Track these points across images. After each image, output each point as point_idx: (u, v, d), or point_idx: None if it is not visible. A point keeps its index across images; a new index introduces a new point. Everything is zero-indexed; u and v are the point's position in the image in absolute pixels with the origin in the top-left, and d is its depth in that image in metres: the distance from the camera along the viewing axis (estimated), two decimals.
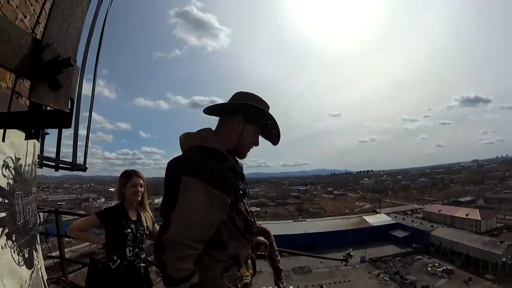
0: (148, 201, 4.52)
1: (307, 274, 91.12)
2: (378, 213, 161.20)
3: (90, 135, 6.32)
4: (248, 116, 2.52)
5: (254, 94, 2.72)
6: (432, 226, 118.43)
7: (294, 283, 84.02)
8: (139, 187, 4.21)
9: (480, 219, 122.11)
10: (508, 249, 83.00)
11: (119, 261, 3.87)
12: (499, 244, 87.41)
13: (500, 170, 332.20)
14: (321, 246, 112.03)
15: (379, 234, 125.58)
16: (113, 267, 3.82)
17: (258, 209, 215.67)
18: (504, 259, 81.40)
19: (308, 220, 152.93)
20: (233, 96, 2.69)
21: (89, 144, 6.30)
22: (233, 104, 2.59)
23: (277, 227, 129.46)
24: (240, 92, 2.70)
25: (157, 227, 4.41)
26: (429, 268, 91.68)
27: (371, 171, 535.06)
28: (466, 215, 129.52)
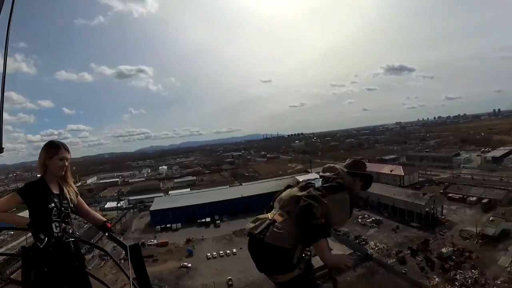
0: (73, 179, 4.28)
1: (243, 236, 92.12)
2: (309, 172, 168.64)
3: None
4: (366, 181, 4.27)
5: (363, 162, 4.41)
6: None
7: (236, 245, 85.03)
8: (65, 161, 3.99)
9: (403, 174, 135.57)
10: (429, 200, 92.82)
11: (46, 239, 3.69)
12: (422, 196, 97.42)
13: (421, 131, 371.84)
14: (258, 208, 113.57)
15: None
16: (41, 246, 3.66)
17: (194, 177, 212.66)
18: (427, 209, 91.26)
19: (243, 184, 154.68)
20: (350, 164, 4.36)
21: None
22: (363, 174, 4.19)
23: (214, 194, 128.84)
24: (356, 160, 4.43)
25: (81, 199, 4.30)
26: (359, 220, 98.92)
27: (302, 134, 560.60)
28: (391, 171, 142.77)
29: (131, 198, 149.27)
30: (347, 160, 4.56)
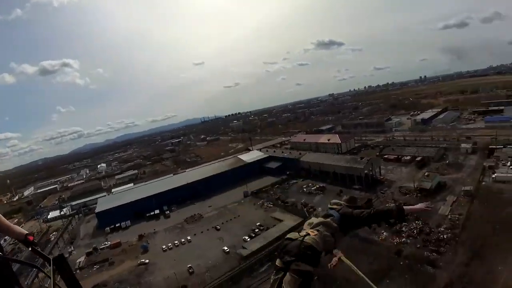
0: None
1: (199, 220, 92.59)
2: (250, 150, 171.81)
3: None
4: None
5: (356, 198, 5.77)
6: (300, 154, 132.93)
7: (190, 232, 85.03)
8: None
9: (340, 142, 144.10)
10: (367, 163, 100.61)
11: None
12: (360, 160, 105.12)
13: (353, 101, 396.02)
14: (205, 192, 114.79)
15: (256, 169, 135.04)
16: None
17: (136, 171, 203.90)
18: (366, 171, 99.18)
19: (187, 170, 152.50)
20: (348, 199, 5.76)
21: None
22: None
23: (159, 185, 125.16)
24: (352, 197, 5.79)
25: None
26: (304, 189, 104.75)
27: (239, 113, 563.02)
28: (328, 140, 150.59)
29: (73, 203, 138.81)
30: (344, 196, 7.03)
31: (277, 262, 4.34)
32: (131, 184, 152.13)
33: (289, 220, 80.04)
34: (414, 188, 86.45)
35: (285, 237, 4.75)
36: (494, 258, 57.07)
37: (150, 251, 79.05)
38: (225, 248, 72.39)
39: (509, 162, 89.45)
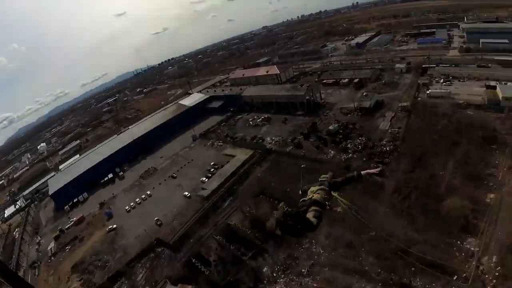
0: None
1: (154, 174, 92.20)
2: (191, 94, 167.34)
3: None
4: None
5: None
6: (241, 89, 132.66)
7: (148, 187, 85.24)
8: None
9: (279, 72, 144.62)
10: (307, 89, 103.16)
11: None
12: (300, 87, 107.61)
13: (287, 31, 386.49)
14: (154, 144, 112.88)
15: (199, 111, 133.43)
16: None
17: (78, 141, 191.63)
18: (307, 97, 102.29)
19: (130, 127, 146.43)
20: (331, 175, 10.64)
21: None
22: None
23: (105, 148, 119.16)
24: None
25: None
26: (250, 122, 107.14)
27: (173, 59, 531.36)
28: (267, 72, 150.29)
29: (25, 193, 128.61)
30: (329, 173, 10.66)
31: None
32: (77, 156, 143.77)
33: (241, 154, 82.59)
34: (355, 108, 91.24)
35: (301, 200, 9.58)
36: (434, 165, 63.13)
37: (115, 215, 78.78)
38: (186, 193, 74.27)
39: (442, 79, 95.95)
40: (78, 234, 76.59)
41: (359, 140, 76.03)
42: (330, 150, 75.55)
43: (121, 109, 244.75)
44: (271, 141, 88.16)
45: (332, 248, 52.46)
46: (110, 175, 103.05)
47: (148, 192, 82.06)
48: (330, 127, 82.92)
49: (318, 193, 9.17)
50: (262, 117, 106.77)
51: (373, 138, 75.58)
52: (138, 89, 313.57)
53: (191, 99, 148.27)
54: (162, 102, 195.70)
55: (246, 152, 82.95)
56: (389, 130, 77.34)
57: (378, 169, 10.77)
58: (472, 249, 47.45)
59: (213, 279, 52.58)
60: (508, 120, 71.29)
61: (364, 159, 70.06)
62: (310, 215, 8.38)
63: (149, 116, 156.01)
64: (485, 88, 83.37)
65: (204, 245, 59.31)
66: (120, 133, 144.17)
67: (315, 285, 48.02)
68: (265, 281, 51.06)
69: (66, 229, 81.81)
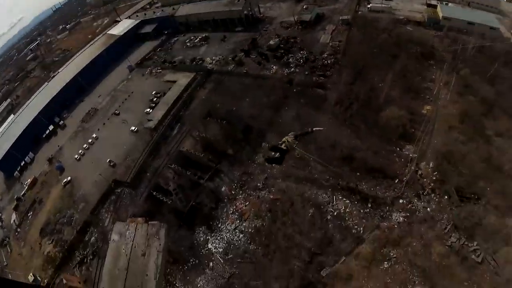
0: None
1: (95, 115, 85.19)
2: (119, 21, 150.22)
3: None
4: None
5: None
6: (173, 9, 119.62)
7: (92, 130, 79.90)
8: None
9: None
10: (245, 3, 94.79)
11: None
12: (237, 1, 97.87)
13: None
14: (89, 83, 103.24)
15: (131, 39, 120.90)
16: None
17: (8, 100, 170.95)
18: (245, 12, 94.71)
19: (60, 70, 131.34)
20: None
21: None
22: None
23: (38, 100, 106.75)
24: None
25: None
26: (188, 43, 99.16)
27: None
28: None
29: None
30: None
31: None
32: (12, 116, 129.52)
33: (182, 79, 77.84)
34: (295, 22, 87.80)
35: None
36: (374, 77, 64.07)
37: (66, 168, 74.06)
38: (133, 128, 70.68)
39: None
40: (36, 197, 71.97)
41: (301, 54, 74.95)
42: (272, 66, 74.08)
43: (46, 53, 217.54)
44: (211, 61, 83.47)
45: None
46: (51, 127, 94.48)
47: (94, 135, 77.04)
48: (271, 42, 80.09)
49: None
50: (200, 37, 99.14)
51: (314, 51, 74.70)
52: (60, 27, 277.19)
53: (121, 27, 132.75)
54: (89, 36, 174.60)
55: (187, 75, 78.20)
56: (330, 44, 76.45)
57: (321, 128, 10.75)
58: (411, 155, 51.70)
59: (176, 207, 53.10)
60: (446, 39, 73.41)
61: (306, 72, 69.53)
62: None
63: (78, 54, 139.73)
64: (425, 6, 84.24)
65: (161, 176, 58.62)
66: (51, 79, 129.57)
67: (271, 196, 50.27)
68: (225, 200, 52.44)
69: (22, 195, 75.77)
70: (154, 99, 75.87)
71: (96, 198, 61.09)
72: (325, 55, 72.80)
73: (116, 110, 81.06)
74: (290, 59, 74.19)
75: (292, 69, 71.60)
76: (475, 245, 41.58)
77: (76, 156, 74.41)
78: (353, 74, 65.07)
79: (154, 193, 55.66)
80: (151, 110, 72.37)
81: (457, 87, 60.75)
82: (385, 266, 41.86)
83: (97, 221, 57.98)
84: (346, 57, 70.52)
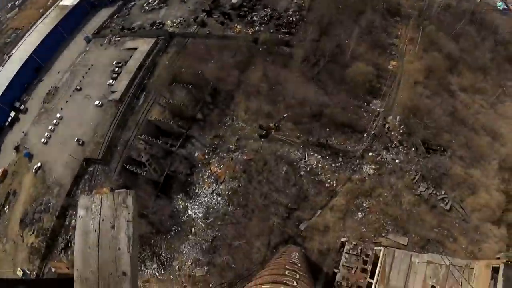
0: None
1: (56, 93, 79.64)
2: None
3: None
4: None
5: None
6: None
7: (55, 110, 74.29)
8: None
9: None
10: None
11: None
12: None
13: None
14: (45, 61, 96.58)
15: (85, 8, 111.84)
16: None
17: None
18: None
19: (14, 51, 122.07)
20: None
21: None
22: None
23: None
24: None
25: None
26: (146, 7, 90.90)
27: None
28: None
29: None
30: None
31: None
32: None
33: (143, 45, 73.22)
34: None
35: None
36: (340, 34, 62.00)
37: (35, 153, 69.70)
38: (97, 102, 66.95)
39: None
40: (9, 190, 67.93)
41: (265, 12, 71.15)
42: (236, 25, 70.33)
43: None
44: (172, 24, 78.16)
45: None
46: (12, 114, 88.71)
47: (58, 115, 72.75)
48: (233, 1, 74.75)
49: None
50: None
51: (279, 8, 71.23)
52: (9, 5, 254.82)
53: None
54: (41, 11, 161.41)
55: (148, 41, 73.37)
56: (295, 0, 72.45)
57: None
58: (378, 110, 52.52)
59: (151, 177, 52.05)
60: None
61: (272, 30, 66.76)
62: None
63: (30, 31, 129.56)
64: None
65: (132, 148, 56.84)
66: (5, 63, 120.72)
67: (245, 157, 49.86)
68: (199, 165, 51.60)
69: None
70: (116, 69, 71.54)
71: (69, 180, 58.78)
72: (290, 12, 69.98)
73: (77, 85, 76.20)
74: (254, 18, 70.70)
75: (257, 27, 68.60)
76: (443, 194, 44.63)
77: (43, 139, 70.17)
78: (318, 30, 63.32)
79: (128, 167, 54.10)
80: (113, 82, 68.44)
81: (422, 43, 60.97)
82: (359, 216, 44.30)
83: (74, 203, 56.10)
84: (311, 14, 68.00)
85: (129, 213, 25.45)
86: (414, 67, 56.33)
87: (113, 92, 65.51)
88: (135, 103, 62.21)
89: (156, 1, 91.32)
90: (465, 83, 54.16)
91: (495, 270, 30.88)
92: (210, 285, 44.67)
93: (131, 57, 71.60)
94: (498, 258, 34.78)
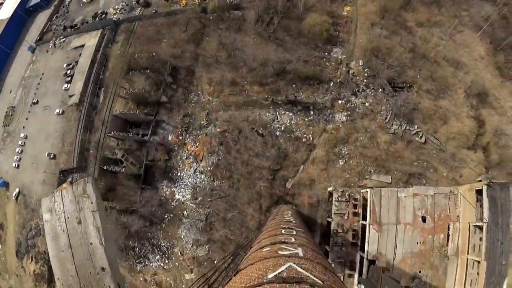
0: None
1: (14, 113, 74.97)
2: (2, 3, 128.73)
3: None
4: None
5: None
6: None
7: (17, 130, 69.71)
8: None
9: None
10: None
11: None
12: None
13: None
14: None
15: (22, 17, 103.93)
16: None
17: None
18: None
19: None
20: None
21: None
22: None
23: None
24: None
25: None
26: (84, 1, 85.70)
27: None
28: None
29: None
30: None
31: None
32: None
33: (90, 40, 68.86)
34: None
35: None
36: None
37: (10, 180, 66.60)
38: (58, 111, 63.70)
39: None
40: None
41: None
42: None
43: None
44: (115, 11, 73.19)
45: (218, 91, 51.56)
46: None
47: (22, 135, 68.93)
48: None
49: None
50: None
51: None
52: None
53: (5, 9, 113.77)
54: None
55: (94, 34, 69.01)
56: None
57: None
58: (340, 57, 51.42)
59: (131, 172, 50.56)
60: None
61: None
62: None
63: None
64: None
65: (105, 148, 54.70)
66: None
67: (218, 129, 48.51)
68: (175, 148, 50.08)
69: None
70: (68, 72, 67.50)
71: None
72: None
73: (33, 99, 71.93)
74: None
75: None
76: (416, 128, 45.31)
77: (14, 164, 66.88)
78: None
79: (105, 167, 52.32)
80: (69, 85, 64.66)
81: None
82: (341, 163, 44.61)
83: None
84: None
85: (92, 202, 22.93)
86: (368, 10, 55.33)
87: (70, 96, 62.08)
88: (96, 101, 59.27)
89: None
90: (421, 18, 53.53)
91: (479, 193, 32.54)
92: (215, 262, 44.65)
93: (80, 55, 67.38)
94: (480, 181, 35.93)
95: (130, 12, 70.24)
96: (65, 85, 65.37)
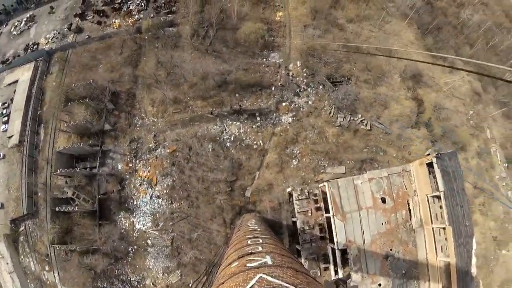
0: None
1: None
2: None
3: None
4: None
5: None
6: None
7: None
8: None
9: None
10: None
11: None
12: None
13: None
14: None
15: None
16: None
17: None
18: None
19: None
20: None
21: None
22: None
23: None
24: None
25: None
26: (14, 32, 77.92)
27: None
28: None
29: None
30: None
31: None
32: None
33: (24, 74, 63.90)
34: None
35: None
36: None
37: None
38: None
39: None
40: None
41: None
42: (114, 20, 63.08)
43: None
44: (47, 40, 68.71)
45: (162, 111, 49.78)
46: None
47: None
48: None
49: None
50: (24, 19, 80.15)
51: None
52: None
53: None
54: None
55: (27, 68, 64.33)
56: None
57: None
58: (278, 61, 52.35)
59: (85, 210, 47.21)
60: None
61: (152, 15, 60.97)
62: None
63: None
64: None
65: (53, 188, 50.75)
66: None
67: (168, 150, 46.45)
68: (127, 176, 47.28)
69: None
70: (4, 112, 62.32)
71: (7, 252, 51.97)
72: None
73: None
74: (131, 7, 64.23)
75: (136, 16, 62.52)
76: (360, 117, 47.33)
77: None
78: (199, 1, 59.31)
79: (57, 209, 48.42)
80: (6, 126, 59.69)
81: None
82: (295, 163, 45.09)
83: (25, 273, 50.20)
84: None
85: (7, 263, 19.66)
86: (299, 13, 56.97)
87: (9, 137, 57.29)
88: (36, 139, 55.07)
89: (23, 22, 79.64)
90: (351, 14, 55.70)
91: (430, 165, 33.72)
92: (190, 285, 42.63)
93: (15, 92, 62.41)
94: (428, 155, 37.09)
95: (62, 40, 66.16)
96: (3, 126, 60.27)
